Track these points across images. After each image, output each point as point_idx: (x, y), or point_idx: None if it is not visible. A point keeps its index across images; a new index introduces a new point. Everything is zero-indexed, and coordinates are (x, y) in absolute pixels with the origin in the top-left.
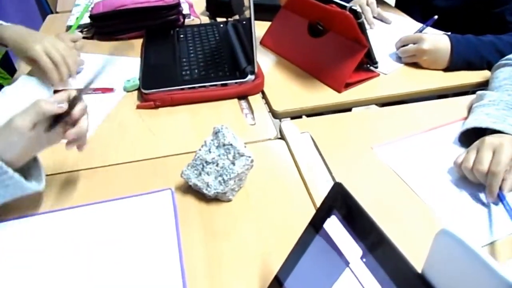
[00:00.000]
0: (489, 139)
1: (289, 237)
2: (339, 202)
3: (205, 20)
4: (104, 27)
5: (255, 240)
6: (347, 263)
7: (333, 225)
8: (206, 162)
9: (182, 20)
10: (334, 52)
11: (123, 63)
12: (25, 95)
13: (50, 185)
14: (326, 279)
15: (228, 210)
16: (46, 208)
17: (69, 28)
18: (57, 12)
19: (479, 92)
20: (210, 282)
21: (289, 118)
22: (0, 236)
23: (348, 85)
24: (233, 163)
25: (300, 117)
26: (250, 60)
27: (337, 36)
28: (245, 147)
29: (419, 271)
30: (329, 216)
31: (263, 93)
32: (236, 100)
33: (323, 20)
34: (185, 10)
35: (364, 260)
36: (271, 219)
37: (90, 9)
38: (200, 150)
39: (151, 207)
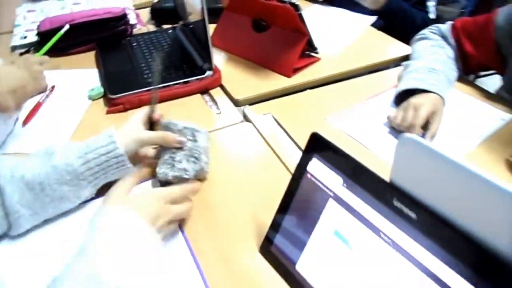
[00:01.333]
0: (412, 100)
1: (272, 199)
2: (318, 147)
3: (151, 28)
4: (54, 43)
5: (246, 205)
6: (331, 192)
7: (315, 166)
8: (173, 152)
9: (130, 30)
10: (279, 43)
11: (80, 76)
12: None
13: None
14: (313, 215)
15: (214, 186)
16: None
17: (14, 48)
18: None
19: (405, 63)
20: (213, 246)
21: (247, 105)
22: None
23: (296, 70)
24: (196, 141)
25: (258, 102)
26: (207, 57)
27: (280, 28)
28: (195, 126)
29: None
30: (311, 159)
31: (221, 86)
32: (199, 95)
33: (265, 16)
34: (132, 20)
35: (345, 185)
36: (254, 187)
37: (37, 26)
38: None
39: None
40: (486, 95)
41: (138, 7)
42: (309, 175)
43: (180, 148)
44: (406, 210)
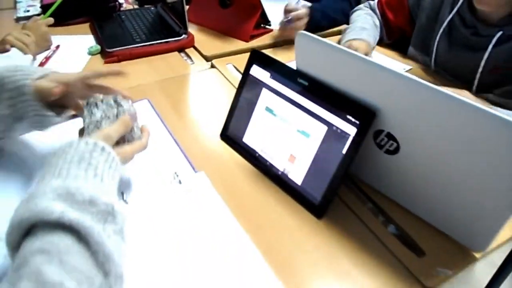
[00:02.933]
0: (353, 43)
1: None
2: (256, 57)
3: (136, 7)
4: (54, 15)
5: (213, 114)
6: (264, 84)
7: (255, 70)
8: (98, 121)
9: (118, 6)
10: (240, 16)
11: (78, 40)
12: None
13: None
14: (253, 102)
15: (193, 105)
16: None
17: (18, 20)
18: None
19: (344, 27)
20: (193, 140)
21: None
22: None
23: (252, 37)
24: (120, 105)
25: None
26: (182, 24)
27: (240, 4)
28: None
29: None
30: (252, 66)
31: (195, 48)
32: (176, 53)
33: None
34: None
35: (271, 77)
36: (219, 105)
37: (40, 0)
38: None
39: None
40: (398, 54)
41: None
42: (251, 77)
43: (106, 117)
44: (303, 82)
